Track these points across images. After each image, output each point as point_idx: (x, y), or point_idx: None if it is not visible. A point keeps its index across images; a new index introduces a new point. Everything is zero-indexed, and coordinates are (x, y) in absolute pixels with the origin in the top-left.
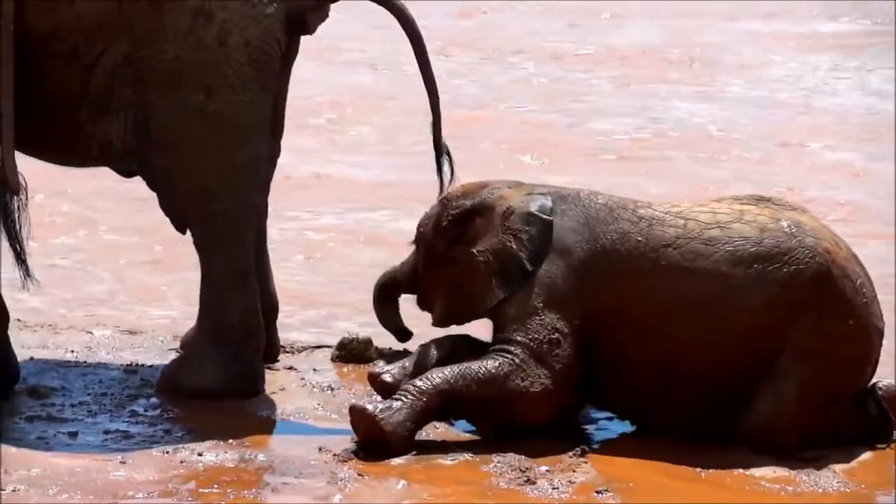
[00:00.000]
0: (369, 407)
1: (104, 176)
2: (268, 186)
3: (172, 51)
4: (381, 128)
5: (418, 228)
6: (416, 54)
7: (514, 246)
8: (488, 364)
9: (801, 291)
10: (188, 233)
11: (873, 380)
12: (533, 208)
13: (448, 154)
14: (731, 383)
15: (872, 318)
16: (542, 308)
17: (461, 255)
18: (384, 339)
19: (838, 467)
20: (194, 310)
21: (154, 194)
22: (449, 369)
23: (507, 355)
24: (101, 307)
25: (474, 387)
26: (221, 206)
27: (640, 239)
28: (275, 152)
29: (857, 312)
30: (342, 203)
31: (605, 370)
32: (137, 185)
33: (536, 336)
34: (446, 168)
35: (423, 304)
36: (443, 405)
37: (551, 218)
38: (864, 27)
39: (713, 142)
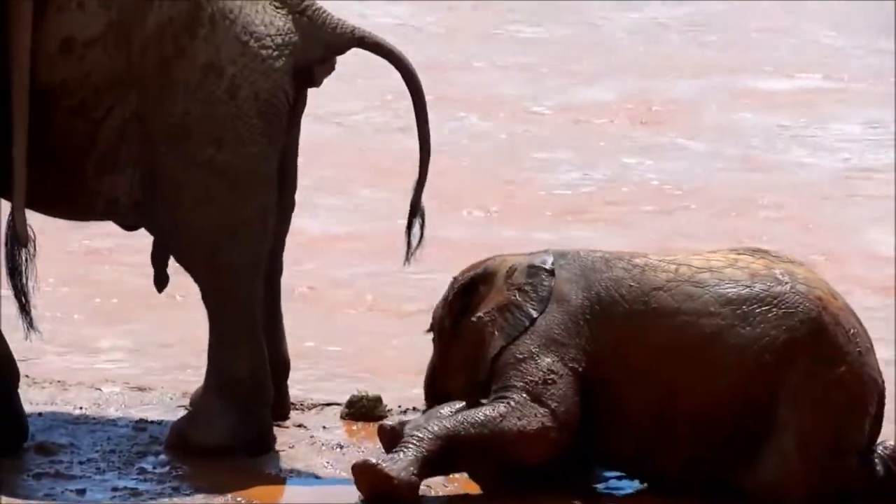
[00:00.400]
0: (371, 460)
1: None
2: (281, 240)
3: (182, 105)
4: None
5: (432, 316)
6: (415, 109)
7: (518, 297)
8: (485, 409)
9: (791, 335)
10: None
11: (880, 439)
12: (535, 262)
13: (422, 217)
14: (725, 430)
15: (867, 368)
16: (538, 353)
17: (467, 325)
18: (394, 397)
19: None
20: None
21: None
22: (448, 417)
23: (504, 399)
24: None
25: (472, 430)
26: (228, 260)
27: (632, 284)
28: (290, 205)
29: (849, 360)
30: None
31: (601, 415)
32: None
33: (532, 378)
34: (416, 231)
35: (444, 390)
36: (443, 451)
37: (551, 272)
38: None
39: (668, 197)
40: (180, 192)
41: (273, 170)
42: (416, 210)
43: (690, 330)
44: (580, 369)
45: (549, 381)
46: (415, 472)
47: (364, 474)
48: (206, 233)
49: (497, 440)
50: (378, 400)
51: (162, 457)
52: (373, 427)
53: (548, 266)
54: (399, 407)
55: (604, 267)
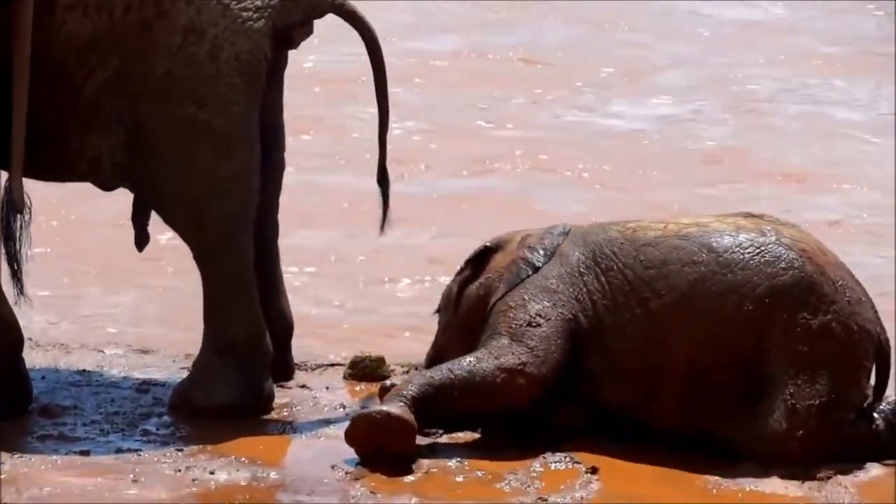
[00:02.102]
0: (361, 412)
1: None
2: (274, 200)
3: (164, 66)
4: None
5: (441, 297)
6: (375, 81)
7: (526, 253)
8: (468, 356)
9: (773, 283)
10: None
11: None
12: (544, 232)
13: (387, 184)
14: (714, 380)
15: (857, 318)
16: (529, 300)
17: (473, 289)
18: (397, 357)
19: (850, 484)
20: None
21: None
22: (433, 369)
23: (486, 345)
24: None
25: (453, 376)
26: (214, 217)
27: (623, 241)
28: (280, 164)
29: (836, 309)
30: None
31: (592, 364)
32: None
33: (517, 322)
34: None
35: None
36: (429, 402)
37: (560, 237)
38: None
39: None
40: (163, 150)
41: (254, 128)
42: (384, 177)
43: (675, 279)
44: (571, 317)
45: (534, 324)
46: (405, 410)
47: (356, 427)
48: (190, 191)
49: (477, 382)
50: (381, 360)
51: (165, 418)
52: (376, 387)
53: (562, 230)
54: (402, 367)
55: (600, 230)
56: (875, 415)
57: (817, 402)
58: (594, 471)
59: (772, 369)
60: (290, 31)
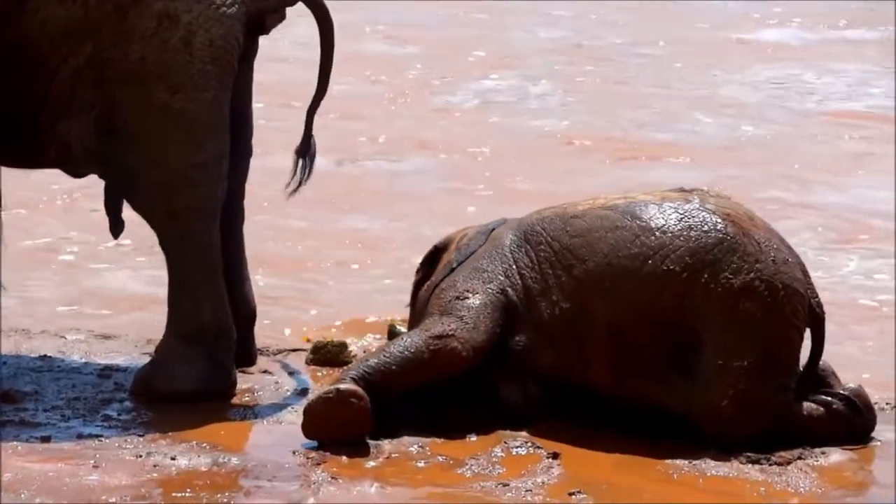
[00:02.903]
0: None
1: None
2: (241, 186)
3: (138, 52)
4: None
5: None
6: (322, 56)
7: (462, 244)
8: (401, 336)
9: (695, 244)
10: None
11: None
12: (480, 227)
13: (312, 154)
14: (642, 345)
15: (783, 277)
16: (460, 280)
17: (423, 290)
18: (359, 343)
19: (811, 468)
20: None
21: None
22: (372, 354)
23: (419, 325)
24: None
25: (388, 357)
26: (184, 204)
27: (553, 217)
28: (247, 151)
29: (759, 268)
30: None
31: (526, 332)
32: None
33: (447, 298)
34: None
35: None
36: (371, 386)
37: (494, 227)
38: None
39: None
40: (136, 137)
41: (226, 115)
42: (307, 143)
43: (598, 245)
44: (499, 290)
45: (462, 298)
46: (356, 386)
47: (311, 414)
48: (162, 177)
49: (411, 356)
50: (343, 346)
51: (127, 403)
52: (337, 373)
53: (487, 229)
54: (364, 353)
55: (535, 213)
56: (827, 398)
57: (746, 362)
58: (555, 456)
59: (698, 331)
60: (263, 17)
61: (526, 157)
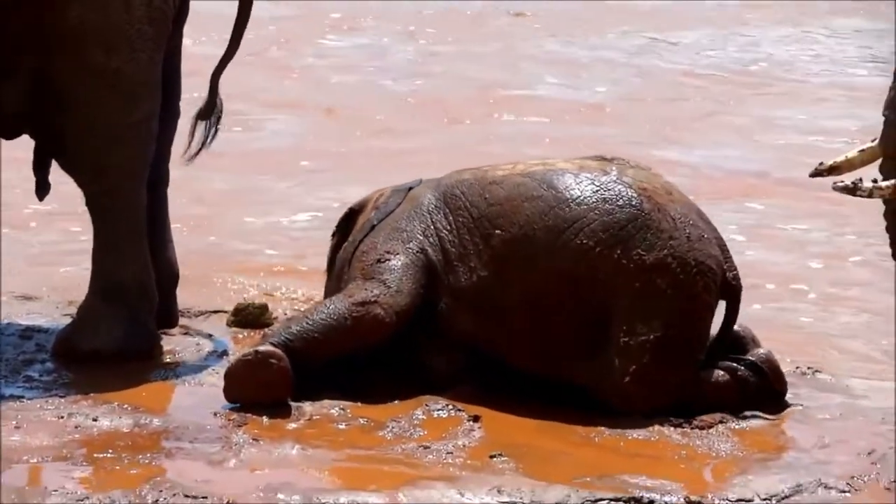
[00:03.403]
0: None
1: None
2: (167, 149)
3: (77, 14)
4: None
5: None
6: (238, 16)
7: (373, 214)
8: (324, 301)
9: (608, 218)
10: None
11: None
12: (395, 186)
13: (218, 116)
14: (556, 319)
15: (696, 255)
16: (379, 242)
17: (341, 253)
18: (280, 305)
19: (732, 432)
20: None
21: None
22: (292, 318)
23: (343, 290)
24: None
25: (310, 322)
26: (115, 163)
27: (472, 182)
28: (175, 113)
29: (673, 245)
30: None
31: (446, 299)
32: None
33: (367, 262)
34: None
35: None
36: (293, 350)
37: (410, 187)
38: None
39: None
40: (72, 97)
41: (159, 76)
42: (213, 102)
43: (515, 215)
44: (419, 251)
45: (384, 260)
46: (276, 349)
47: (232, 377)
48: (95, 137)
49: (334, 322)
50: (264, 308)
51: (48, 364)
52: (258, 335)
53: (404, 188)
54: (285, 314)
55: (455, 175)
56: (735, 366)
57: (651, 337)
58: (476, 419)
59: (609, 306)
60: None
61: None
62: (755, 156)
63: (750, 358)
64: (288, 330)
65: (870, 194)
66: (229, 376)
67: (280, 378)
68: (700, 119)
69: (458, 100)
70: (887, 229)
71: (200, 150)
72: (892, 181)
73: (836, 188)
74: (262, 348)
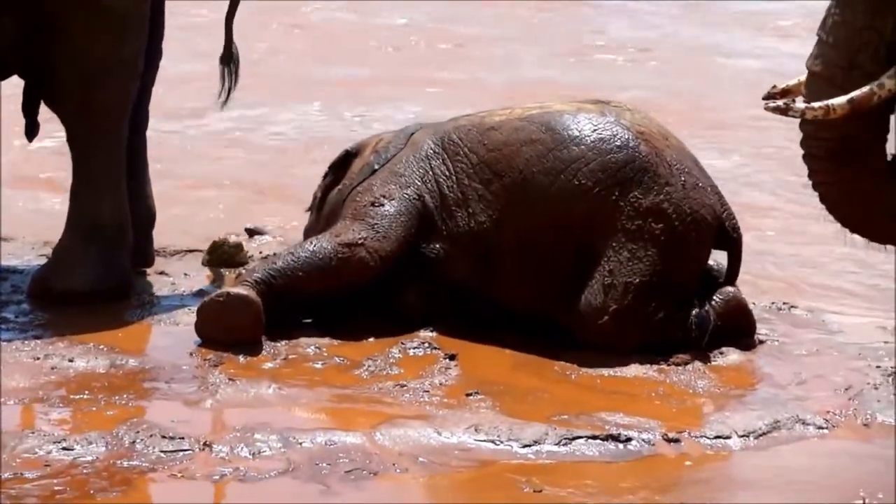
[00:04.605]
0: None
1: None
2: (148, 90)
3: None
4: None
5: (313, 196)
6: None
7: (372, 158)
8: (310, 239)
9: (605, 160)
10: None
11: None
12: (397, 132)
13: (236, 60)
14: (550, 262)
15: (692, 202)
16: (376, 185)
17: (333, 194)
18: (255, 244)
19: (708, 368)
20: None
21: None
22: (277, 254)
23: (331, 228)
24: None
25: (295, 259)
26: (102, 97)
27: (471, 128)
28: (158, 52)
29: (669, 191)
30: None
31: (442, 243)
32: None
33: (361, 204)
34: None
35: None
36: (274, 287)
37: (411, 133)
38: None
39: None
40: (62, 32)
41: (147, 12)
42: (229, 53)
43: (514, 158)
44: (416, 196)
45: (378, 204)
46: (252, 289)
47: (203, 315)
48: (85, 72)
49: (319, 261)
50: (239, 247)
51: (24, 306)
52: (234, 273)
53: (405, 134)
54: (260, 253)
55: (452, 121)
56: (695, 306)
57: (637, 280)
58: (453, 357)
59: (600, 248)
60: None
61: None
62: None
63: (713, 300)
64: (273, 266)
65: (801, 114)
66: (201, 314)
67: (250, 323)
68: None
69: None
70: (804, 157)
71: (229, 94)
72: (824, 101)
73: (767, 109)
74: (234, 291)
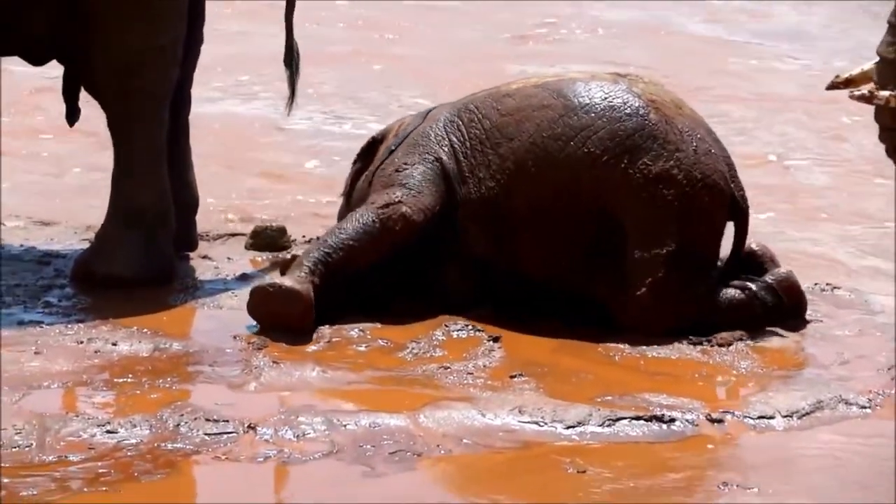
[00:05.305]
0: (263, 283)
1: None
2: (189, 75)
3: None
4: None
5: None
6: None
7: (399, 130)
8: (351, 214)
9: (615, 126)
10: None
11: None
12: (417, 114)
13: (297, 59)
14: (567, 230)
15: (703, 168)
16: (398, 156)
17: (361, 181)
18: (298, 228)
19: (752, 349)
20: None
21: None
22: (325, 233)
23: (368, 200)
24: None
25: (338, 231)
26: (141, 84)
27: (487, 97)
28: (199, 39)
29: (679, 157)
30: None
31: (461, 213)
32: None
33: (386, 170)
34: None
35: None
36: (328, 265)
37: (429, 111)
38: None
39: None
40: (99, 19)
41: (185, 0)
42: (290, 53)
43: (525, 124)
44: (437, 161)
45: (401, 169)
46: (305, 280)
47: (253, 299)
48: (120, 58)
49: (366, 228)
50: (282, 230)
51: (67, 290)
52: (277, 257)
53: (423, 113)
54: (304, 237)
55: (471, 95)
56: (751, 285)
57: (664, 250)
58: (496, 339)
59: (617, 217)
60: None
61: None
62: None
63: (767, 279)
64: (325, 244)
65: (887, 102)
66: (252, 299)
67: (297, 314)
68: None
69: None
70: (886, 152)
71: (293, 95)
72: None
73: (852, 97)
74: (284, 284)
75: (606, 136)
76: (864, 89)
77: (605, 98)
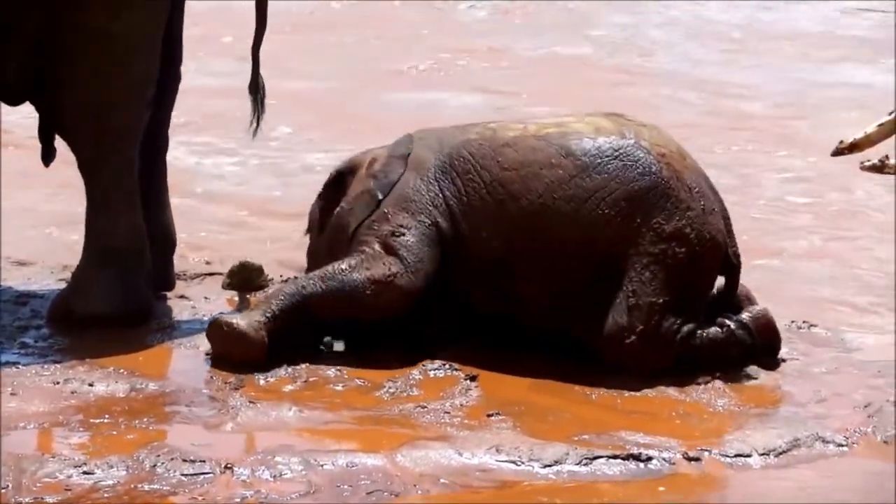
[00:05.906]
0: (223, 317)
1: None
2: (167, 114)
3: None
4: None
5: (309, 216)
6: None
7: (371, 184)
8: (336, 263)
9: (630, 187)
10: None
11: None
12: (393, 151)
13: (262, 90)
14: (571, 282)
15: (709, 227)
16: (390, 213)
17: (334, 216)
18: (275, 268)
19: (729, 388)
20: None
21: None
22: (302, 277)
23: (356, 253)
24: None
25: (322, 284)
26: (110, 124)
27: (482, 143)
28: (177, 77)
29: (690, 216)
30: None
31: (455, 265)
32: None
33: (382, 231)
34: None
35: None
36: (296, 308)
37: (408, 150)
38: None
39: None
40: (73, 59)
41: (159, 39)
42: (256, 83)
43: (533, 183)
44: (431, 222)
45: (399, 234)
46: (261, 325)
47: (214, 329)
48: (90, 97)
49: (346, 290)
50: (259, 270)
51: (44, 330)
52: (254, 297)
53: (403, 148)
54: (281, 276)
55: (458, 133)
56: (728, 323)
57: (660, 300)
58: (473, 378)
59: (622, 267)
60: None
61: None
62: None
63: (743, 317)
64: (297, 289)
65: None
66: (209, 330)
67: (249, 355)
68: None
69: None
70: None
71: (257, 125)
72: None
73: (863, 168)
74: (238, 326)
75: (621, 196)
76: (875, 159)
77: (616, 156)
